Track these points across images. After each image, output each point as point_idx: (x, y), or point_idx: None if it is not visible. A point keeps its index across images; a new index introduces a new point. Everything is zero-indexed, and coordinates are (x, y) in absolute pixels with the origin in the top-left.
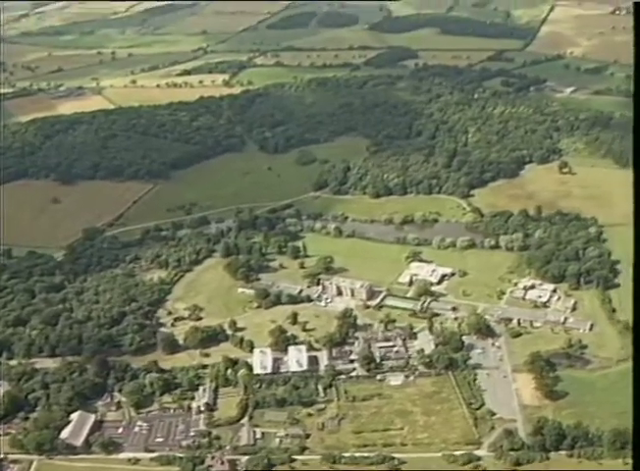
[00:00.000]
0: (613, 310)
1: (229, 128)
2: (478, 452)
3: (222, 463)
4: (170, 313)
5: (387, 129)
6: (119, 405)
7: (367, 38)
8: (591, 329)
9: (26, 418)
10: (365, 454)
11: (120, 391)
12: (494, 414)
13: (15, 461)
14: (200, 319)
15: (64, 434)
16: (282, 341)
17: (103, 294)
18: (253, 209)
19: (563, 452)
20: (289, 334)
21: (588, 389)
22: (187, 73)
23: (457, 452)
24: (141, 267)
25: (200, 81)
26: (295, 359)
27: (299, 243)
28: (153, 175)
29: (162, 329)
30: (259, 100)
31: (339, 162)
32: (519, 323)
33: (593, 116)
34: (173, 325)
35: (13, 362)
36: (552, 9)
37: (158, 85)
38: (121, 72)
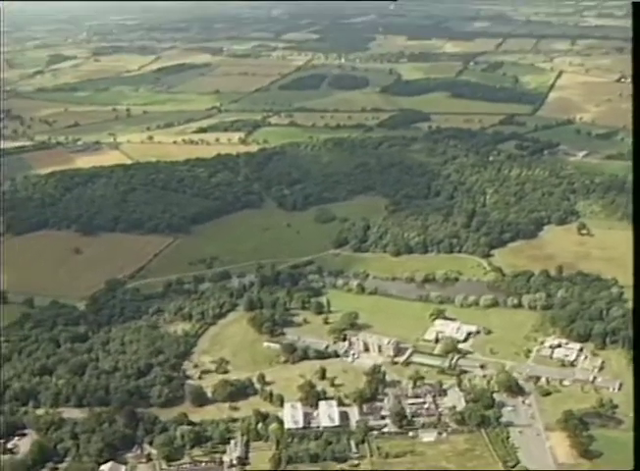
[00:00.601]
0: None
1: (247, 184)
2: None
3: None
4: (196, 366)
5: (405, 188)
6: (149, 458)
7: (379, 101)
8: (620, 388)
9: (55, 468)
10: None
11: (150, 443)
12: None
13: None
14: (227, 372)
15: None
16: (312, 396)
17: (129, 345)
18: (275, 265)
19: None
20: (318, 389)
21: (622, 448)
22: (203, 130)
23: None
24: (165, 319)
25: (217, 139)
26: (327, 414)
27: (322, 299)
28: (173, 229)
29: (189, 381)
30: (276, 158)
31: (358, 220)
32: (548, 381)
33: (608, 180)
34: (200, 378)
35: (40, 411)
36: (559, 75)
37: (175, 142)
38: (136, 128)
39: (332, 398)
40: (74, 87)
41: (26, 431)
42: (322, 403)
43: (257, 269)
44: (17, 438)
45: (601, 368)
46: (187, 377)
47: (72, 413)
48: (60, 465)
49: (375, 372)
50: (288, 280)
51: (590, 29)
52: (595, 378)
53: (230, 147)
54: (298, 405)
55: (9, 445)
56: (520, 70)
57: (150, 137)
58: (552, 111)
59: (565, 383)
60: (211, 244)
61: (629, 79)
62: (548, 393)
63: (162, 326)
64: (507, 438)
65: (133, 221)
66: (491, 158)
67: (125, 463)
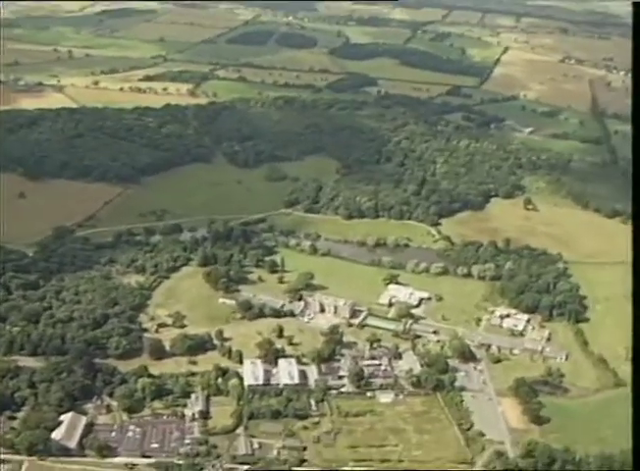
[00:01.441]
0: (586, 343)
1: (197, 138)
2: None
3: None
4: (153, 319)
5: (356, 152)
6: (109, 409)
7: (327, 62)
8: (567, 359)
9: (12, 417)
10: (363, 469)
11: (110, 394)
12: (483, 435)
13: (3, 461)
14: (184, 327)
15: (56, 435)
16: (271, 354)
17: (84, 295)
18: (227, 221)
19: None
20: (276, 347)
21: (569, 415)
22: (150, 79)
23: None
24: (118, 270)
25: (165, 89)
26: (287, 372)
27: (275, 258)
28: (123, 178)
29: (146, 334)
30: (226, 113)
31: (309, 181)
32: (499, 349)
33: (553, 157)
34: (157, 331)
35: None
36: (505, 51)
37: (121, 89)
38: (80, 71)
39: (291, 357)
40: (11, 23)
41: None
42: (281, 361)
43: (209, 224)
44: None
45: (548, 339)
46: (144, 330)
47: (27, 362)
48: (17, 414)
49: (333, 333)
50: (240, 237)
51: (535, 8)
52: (543, 348)
53: (178, 98)
54: (258, 362)
55: None
56: (467, 42)
57: (96, 82)
58: (497, 85)
59: (515, 351)
60: (162, 197)
61: (573, 61)
62: (498, 361)
63: (115, 277)
64: (461, 402)
65: (82, 168)
66: (439, 128)
67: (84, 414)
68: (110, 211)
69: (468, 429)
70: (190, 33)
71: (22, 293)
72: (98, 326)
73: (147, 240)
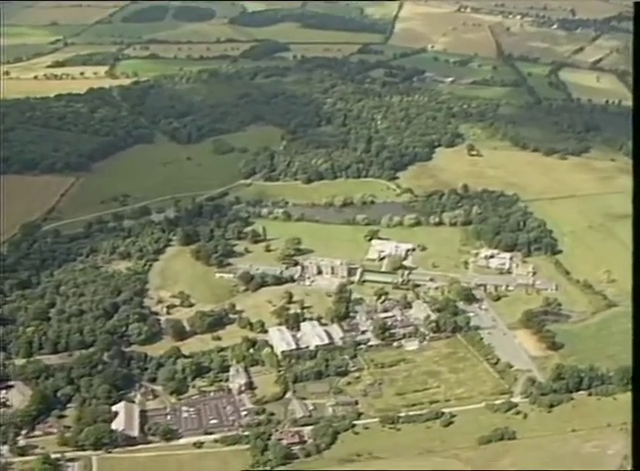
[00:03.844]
0: (567, 272)
1: (133, 119)
2: (514, 400)
3: (292, 435)
4: (160, 301)
5: (295, 118)
6: (154, 394)
7: (230, 32)
8: (557, 289)
9: (62, 416)
10: (418, 412)
11: (152, 380)
12: (512, 366)
13: (72, 460)
14: (192, 305)
15: (116, 426)
16: (292, 319)
17: (85, 287)
18: (194, 198)
19: (584, 392)
20: (291, 312)
21: (578, 339)
22: (61, 64)
23: (497, 402)
24: (104, 259)
25: (81, 73)
26: (315, 334)
27: (253, 228)
28: (72, 167)
29: (162, 317)
30: (153, 91)
31: (260, 150)
32: (496, 288)
33: (482, 104)
34: (169, 313)
35: (20, 361)
36: (401, 6)
37: (36, 77)
38: None
39: (310, 320)
40: None
41: (10, 382)
42: (304, 324)
43: (175, 203)
44: (3, 391)
45: (534, 273)
46: (155, 313)
47: (52, 360)
48: (65, 412)
49: (342, 291)
50: (212, 212)
51: None
52: (534, 282)
53: (98, 81)
54: (283, 328)
55: None
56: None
57: (7, 72)
58: (402, 40)
59: (510, 288)
60: (117, 181)
61: (469, 9)
62: (498, 298)
63: (103, 266)
64: (481, 339)
65: (25, 162)
66: (367, 85)
67: (132, 402)
68: (69, 202)
69: (496, 363)
70: (81, 15)
71: (20, 293)
72: (111, 315)
73: (121, 226)
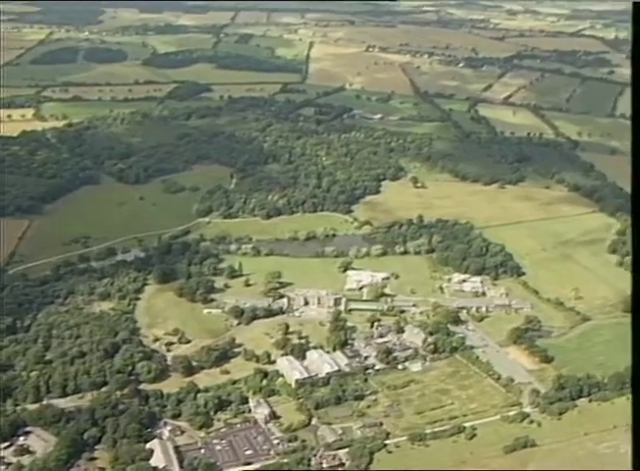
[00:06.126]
0: (536, 292)
1: (77, 161)
2: (525, 410)
3: (332, 458)
4: (157, 339)
5: (241, 156)
6: (181, 430)
7: (146, 73)
8: (532, 308)
9: (93, 458)
10: (441, 428)
11: (176, 416)
12: (513, 380)
13: None
14: (189, 341)
15: (156, 463)
16: (297, 349)
17: (78, 329)
18: (156, 237)
19: (584, 399)
20: (294, 342)
21: (564, 351)
22: None
23: (510, 413)
24: (83, 300)
25: (9, 116)
26: (323, 361)
27: (229, 264)
28: (24, 210)
29: (163, 354)
30: (89, 133)
31: (212, 188)
32: (477, 310)
33: (417, 138)
34: (168, 350)
35: (31, 407)
36: (311, 47)
37: None
38: None
39: (314, 348)
40: None
41: (27, 429)
42: (310, 353)
43: (139, 243)
44: (22, 437)
45: (507, 294)
46: (155, 351)
47: (64, 403)
48: (95, 454)
49: (338, 320)
50: (182, 250)
51: (313, 4)
52: (510, 302)
53: (28, 124)
54: (291, 358)
55: (20, 445)
56: (271, 42)
57: None
58: (319, 80)
59: (490, 309)
60: (73, 223)
61: (376, 49)
62: (481, 319)
63: (84, 307)
64: (477, 357)
65: None
66: (301, 124)
67: (161, 439)
68: (29, 245)
69: (498, 378)
70: None
71: (12, 338)
72: (111, 355)
73: (91, 268)
